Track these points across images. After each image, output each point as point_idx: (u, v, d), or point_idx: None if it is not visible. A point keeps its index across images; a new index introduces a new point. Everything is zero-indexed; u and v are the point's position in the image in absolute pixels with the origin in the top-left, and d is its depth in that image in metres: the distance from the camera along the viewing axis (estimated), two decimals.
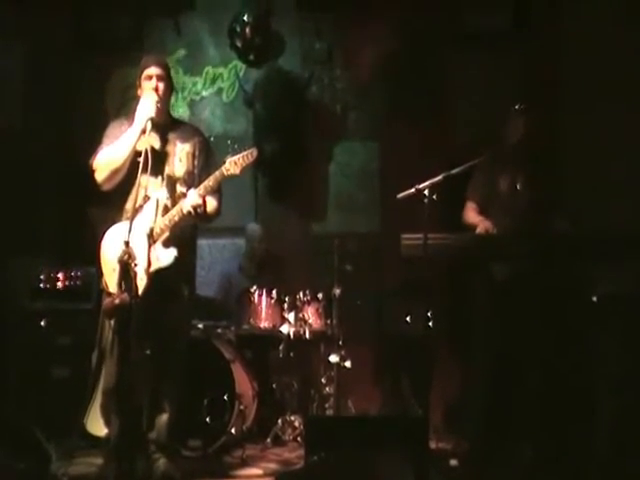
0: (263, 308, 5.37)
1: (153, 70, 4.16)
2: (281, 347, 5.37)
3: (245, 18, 6.19)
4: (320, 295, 5.43)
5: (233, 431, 4.84)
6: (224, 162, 4.04)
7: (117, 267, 3.65)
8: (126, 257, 3.57)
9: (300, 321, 5.36)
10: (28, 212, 5.92)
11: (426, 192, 4.15)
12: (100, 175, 4.08)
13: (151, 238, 3.93)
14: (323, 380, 5.47)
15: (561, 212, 4.63)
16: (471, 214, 4.72)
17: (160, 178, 4.10)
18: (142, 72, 4.18)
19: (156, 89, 4.13)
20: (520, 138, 4.67)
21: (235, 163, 4.03)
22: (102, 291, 3.99)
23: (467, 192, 4.79)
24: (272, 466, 4.66)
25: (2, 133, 6.05)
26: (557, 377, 4.36)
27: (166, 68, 4.26)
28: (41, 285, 5.27)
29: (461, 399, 5.21)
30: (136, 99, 4.16)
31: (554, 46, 5.99)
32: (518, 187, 4.65)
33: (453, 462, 4.40)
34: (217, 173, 4.03)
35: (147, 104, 4.02)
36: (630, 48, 5.30)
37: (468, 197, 4.78)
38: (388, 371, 5.70)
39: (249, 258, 6.00)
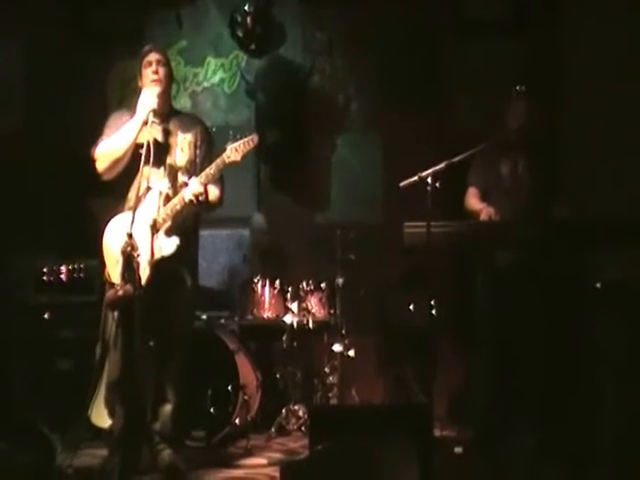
0: (266, 298, 5.37)
1: (153, 56, 4.17)
2: (284, 337, 5.38)
3: (246, 8, 6.17)
4: (323, 285, 5.44)
5: (237, 421, 4.85)
6: (225, 149, 4.04)
7: (120, 258, 3.66)
8: (129, 248, 3.58)
9: (303, 311, 5.37)
10: (30, 205, 5.92)
11: (429, 180, 4.13)
12: (101, 165, 4.08)
13: (154, 229, 3.92)
14: (327, 369, 5.48)
15: (563, 198, 4.62)
16: (473, 200, 4.70)
17: (162, 169, 4.09)
18: (142, 60, 4.18)
19: (156, 72, 4.13)
20: (521, 124, 4.66)
21: (236, 150, 4.03)
22: (105, 283, 3.98)
23: (469, 178, 4.77)
24: (276, 456, 4.66)
25: (3, 127, 6.04)
26: (561, 364, 4.35)
27: (166, 56, 4.28)
28: (44, 278, 5.26)
29: (465, 387, 5.21)
30: (137, 91, 4.16)
31: (555, 34, 5.96)
32: (520, 171, 4.64)
33: (458, 449, 4.40)
34: (218, 160, 4.03)
35: (149, 96, 4.02)
36: (631, 35, 5.27)
37: (470, 183, 4.75)
38: (392, 360, 5.69)
39: (253, 248, 5.99)
